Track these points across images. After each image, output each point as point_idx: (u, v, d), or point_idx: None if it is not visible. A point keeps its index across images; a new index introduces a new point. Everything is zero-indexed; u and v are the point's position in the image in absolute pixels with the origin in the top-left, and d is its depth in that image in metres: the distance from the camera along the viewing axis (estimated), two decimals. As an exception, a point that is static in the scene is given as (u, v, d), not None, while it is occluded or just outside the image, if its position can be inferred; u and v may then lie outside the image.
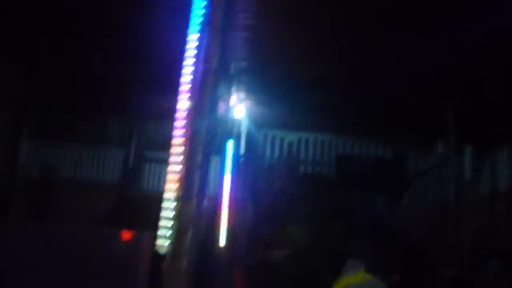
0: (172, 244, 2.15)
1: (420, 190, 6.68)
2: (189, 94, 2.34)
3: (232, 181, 5.50)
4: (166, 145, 7.57)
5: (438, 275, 5.16)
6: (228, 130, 5.59)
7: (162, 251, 2.40)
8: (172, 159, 2.39)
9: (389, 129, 6.34)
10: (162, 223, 2.31)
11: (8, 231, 3.48)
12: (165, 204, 2.34)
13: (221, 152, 5.31)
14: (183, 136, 2.34)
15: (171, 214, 2.28)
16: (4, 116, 6.83)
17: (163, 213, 2.33)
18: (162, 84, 5.23)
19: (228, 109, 5.28)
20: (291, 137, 7.10)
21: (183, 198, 2.11)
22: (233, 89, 5.34)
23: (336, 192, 6.10)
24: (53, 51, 4.93)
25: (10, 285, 3.17)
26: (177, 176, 2.31)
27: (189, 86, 2.35)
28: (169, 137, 7.69)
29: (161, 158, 7.22)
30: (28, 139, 7.24)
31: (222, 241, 5.10)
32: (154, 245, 3.30)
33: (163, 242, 2.31)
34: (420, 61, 4.33)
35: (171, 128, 7.67)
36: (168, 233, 2.28)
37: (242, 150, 6.51)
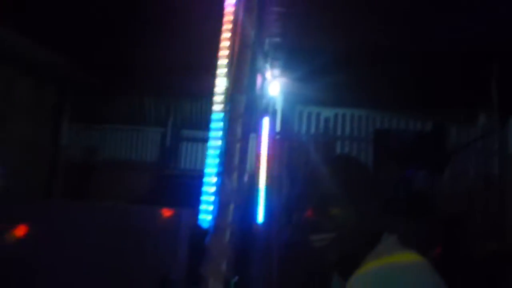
0: (214, 218, 2.16)
1: (461, 164, 6.51)
2: (226, 69, 2.33)
3: (268, 159, 5.50)
4: (202, 123, 7.68)
5: (480, 249, 5.07)
6: (264, 107, 5.57)
7: (203, 226, 2.43)
8: (211, 134, 2.41)
9: (429, 101, 6.18)
10: (203, 198, 2.34)
11: (53, 210, 3.59)
12: (206, 179, 2.37)
13: (257, 129, 5.30)
14: (221, 111, 2.35)
15: (212, 188, 2.30)
16: (46, 100, 7.03)
17: (204, 188, 2.35)
18: (197, 62, 5.24)
19: (263, 86, 5.25)
20: (327, 112, 7.02)
21: (224, 172, 2.11)
22: (268, 65, 5.30)
23: (375, 167, 6.04)
24: (91, 33, 4.99)
25: (55, 261, 3.27)
26: (217, 151, 2.33)
27: (226, 60, 2.35)
28: (206, 115, 7.77)
29: (198, 136, 7.30)
30: (68, 122, 7.44)
31: (260, 218, 5.13)
32: (193, 221, 3.35)
33: (204, 217, 2.34)
34: (461, 23, 4.13)
35: (207, 106, 7.74)
36: (210, 207, 2.31)
37: (277, 127, 6.49)
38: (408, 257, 1.34)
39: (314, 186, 1.44)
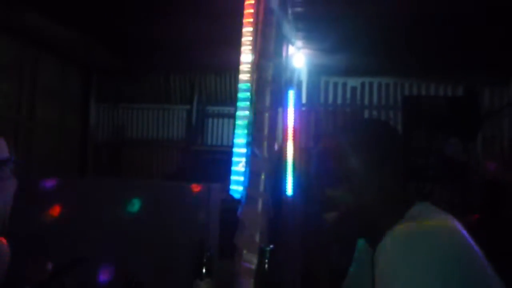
0: (245, 188, 2.15)
1: (495, 128, 6.34)
2: (251, 37, 2.28)
3: (295, 131, 5.46)
4: (227, 99, 7.63)
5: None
6: (289, 79, 5.50)
7: (234, 197, 2.42)
8: (239, 104, 2.37)
9: (459, 65, 5.98)
10: (233, 169, 2.33)
11: (87, 188, 3.63)
12: (235, 150, 2.34)
13: (284, 101, 5.25)
14: (248, 80, 2.30)
15: (243, 159, 2.28)
16: (74, 82, 7.11)
17: (234, 159, 2.33)
18: (219, 36, 5.19)
19: (287, 58, 5.17)
20: (353, 82, 6.89)
21: (253, 142, 2.09)
22: (291, 36, 5.21)
23: (405, 135, 5.92)
24: (113, 12, 4.97)
25: (91, 237, 3.33)
26: (245, 121, 2.30)
27: (251, 28, 2.28)
28: (230, 90, 7.69)
29: (223, 112, 7.30)
30: (95, 102, 7.52)
31: (289, 191, 5.13)
32: (223, 195, 3.35)
33: (235, 188, 2.33)
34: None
35: (231, 81, 7.66)
36: (240, 178, 2.29)
37: (303, 99, 6.43)
38: (444, 222, 1.27)
39: (328, 162, 1.35)
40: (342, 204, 1.26)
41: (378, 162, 1.28)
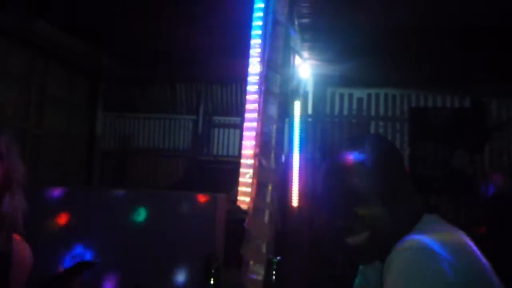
0: (252, 199, 2.15)
1: (503, 140, 6.31)
2: (259, 49, 2.29)
3: (301, 141, 5.46)
4: (233, 109, 7.63)
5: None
6: (295, 90, 5.52)
7: (242, 208, 2.42)
8: (247, 115, 2.38)
9: (466, 76, 5.98)
10: (241, 180, 2.33)
11: (94, 196, 3.65)
12: (243, 161, 2.35)
13: (290, 113, 5.26)
14: (256, 92, 2.31)
15: (250, 170, 2.28)
16: (81, 91, 7.15)
17: (242, 170, 2.34)
18: (227, 47, 5.22)
19: (294, 69, 5.20)
20: (359, 93, 6.89)
21: (261, 153, 2.09)
22: (298, 47, 5.23)
23: (412, 147, 5.92)
24: (121, 22, 5.02)
25: (95, 246, 3.33)
26: (253, 133, 2.30)
27: (259, 40, 2.30)
28: (236, 101, 7.71)
29: (229, 122, 7.31)
30: (102, 111, 7.56)
31: (295, 201, 5.12)
32: (229, 205, 3.36)
33: (242, 199, 2.33)
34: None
35: (237, 92, 7.68)
36: (247, 189, 2.29)
37: (309, 110, 6.44)
38: (451, 236, 1.26)
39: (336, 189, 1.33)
40: (374, 223, 1.26)
41: (396, 176, 1.29)
